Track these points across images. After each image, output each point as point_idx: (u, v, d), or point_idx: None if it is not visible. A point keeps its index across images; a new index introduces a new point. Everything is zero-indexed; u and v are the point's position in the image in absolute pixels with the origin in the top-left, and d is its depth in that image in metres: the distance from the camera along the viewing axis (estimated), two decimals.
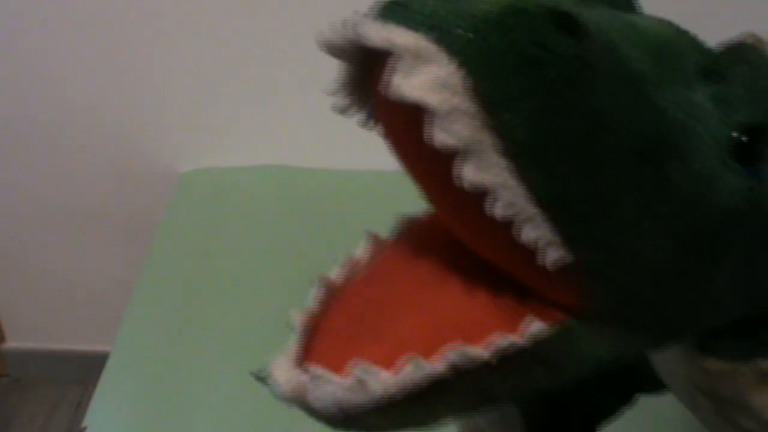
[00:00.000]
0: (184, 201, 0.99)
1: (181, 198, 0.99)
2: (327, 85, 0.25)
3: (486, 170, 0.19)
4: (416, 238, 0.25)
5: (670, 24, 0.25)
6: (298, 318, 0.23)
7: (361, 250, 0.25)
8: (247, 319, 0.79)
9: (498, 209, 0.19)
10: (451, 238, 0.23)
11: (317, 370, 0.21)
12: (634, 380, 0.35)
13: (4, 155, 1.04)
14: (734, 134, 0.22)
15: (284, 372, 0.22)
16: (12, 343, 1.33)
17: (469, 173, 0.19)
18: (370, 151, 1.02)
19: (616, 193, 0.20)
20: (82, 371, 1.28)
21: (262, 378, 0.24)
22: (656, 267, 0.22)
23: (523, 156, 0.19)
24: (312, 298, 0.24)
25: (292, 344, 0.23)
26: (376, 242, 0.25)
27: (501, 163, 0.19)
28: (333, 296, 0.24)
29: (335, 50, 0.24)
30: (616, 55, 0.20)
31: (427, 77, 0.19)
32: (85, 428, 0.68)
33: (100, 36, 0.93)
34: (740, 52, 0.23)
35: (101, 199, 1.09)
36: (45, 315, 1.26)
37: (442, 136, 0.19)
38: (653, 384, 0.31)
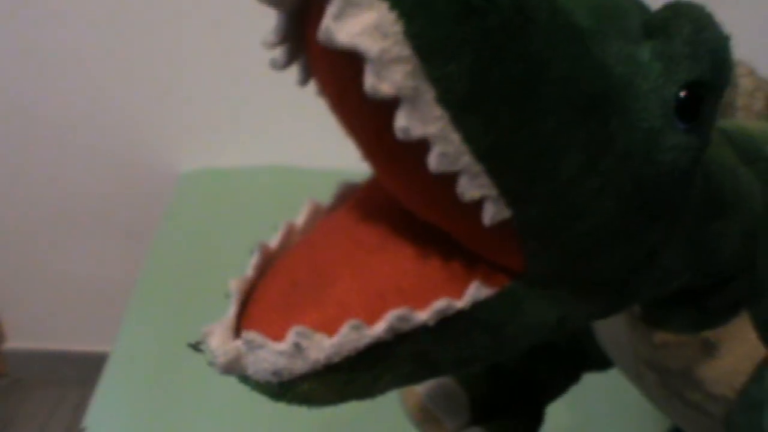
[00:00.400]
0: (184, 201, 0.99)
1: (181, 198, 0.99)
2: (265, 38, 0.23)
3: (423, 120, 0.18)
4: (358, 204, 0.24)
5: None
6: (234, 285, 0.23)
7: (300, 217, 0.25)
8: None
9: (435, 162, 0.19)
10: (394, 204, 0.22)
11: (251, 335, 0.20)
12: (580, 357, 0.35)
13: (3, 155, 1.04)
14: (678, 92, 0.22)
15: (219, 339, 0.21)
16: (12, 343, 1.33)
17: (406, 123, 0.18)
18: None
19: (558, 147, 0.20)
20: (82, 371, 1.28)
21: (198, 348, 0.23)
22: (599, 227, 0.21)
23: (461, 106, 0.18)
24: (249, 265, 0.23)
25: (229, 312, 0.22)
26: (316, 209, 0.25)
27: (439, 114, 0.18)
28: (271, 263, 0.24)
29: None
30: (557, 8, 0.20)
31: (362, 22, 0.17)
32: (84, 428, 0.68)
33: (100, 36, 0.93)
34: (682, 8, 0.23)
35: (101, 199, 1.09)
36: (45, 315, 1.26)
37: (377, 84, 0.18)
38: (599, 361, 0.32)
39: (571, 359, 0.36)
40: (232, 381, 0.79)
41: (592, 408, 0.72)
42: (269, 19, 0.86)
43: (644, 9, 0.24)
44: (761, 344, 0.24)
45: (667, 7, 0.23)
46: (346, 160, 0.64)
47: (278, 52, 0.22)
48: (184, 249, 0.90)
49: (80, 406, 1.31)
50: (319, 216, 0.25)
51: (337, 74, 0.20)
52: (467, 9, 0.18)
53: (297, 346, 0.19)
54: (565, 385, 0.37)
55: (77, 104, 0.99)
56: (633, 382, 0.28)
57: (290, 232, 0.24)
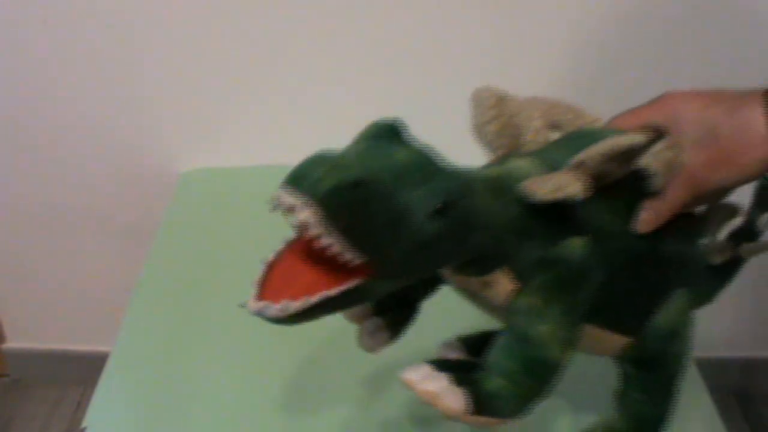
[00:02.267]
0: (184, 201, 0.99)
1: (181, 198, 0.99)
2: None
3: (325, 235, 0.38)
4: (304, 246, 0.41)
5: (418, 152, 0.43)
6: (262, 267, 0.42)
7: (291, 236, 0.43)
8: (246, 318, 0.79)
9: (325, 243, 0.38)
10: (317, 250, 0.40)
11: (264, 303, 0.40)
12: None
13: (3, 155, 1.04)
14: (435, 204, 0.41)
15: (251, 303, 0.41)
16: (12, 343, 1.33)
17: (320, 240, 0.38)
18: None
19: (388, 236, 0.40)
20: (82, 371, 1.28)
21: (244, 306, 0.41)
22: (415, 260, 0.42)
23: (345, 231, 0.38)
24: (269, 257, 0.42)
25: (256, 287, 0.42)
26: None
27: (335, 233, 0.38)
28: (278, 258, 0.42)
29: (281, 208, 0.39)
30: (379, 184, 0.39)
31: (303, 213, 0.37)
32: (85, 428, 0.68)
33: (100, 37, 0.93)
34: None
35: (101, 199, 1.09)
36: (45, 315, 1.26)
37: (309, 227, 0.38)
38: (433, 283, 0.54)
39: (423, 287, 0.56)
40: (232, 381, 0.79)
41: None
42: (269, 20, 0.86)
43: (429, 167, 0.42)
44: (511, 282, 0.47)
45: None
46: None
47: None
48: (184, 249, 0.90)
49: (80, 406, 1.32)
50: (292, 244, 0.43)
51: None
52: (341, 202, 0.37)
53: (284, 307, 0.40)
54: (432, 289, 0.55)
55: (77, 105, 0.99)
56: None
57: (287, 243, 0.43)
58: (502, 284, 0.47)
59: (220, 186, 1.00)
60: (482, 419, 0.44)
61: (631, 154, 0.46)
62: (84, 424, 0.68)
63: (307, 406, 0.70)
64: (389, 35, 0.93)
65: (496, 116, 0.51)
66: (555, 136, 0.54)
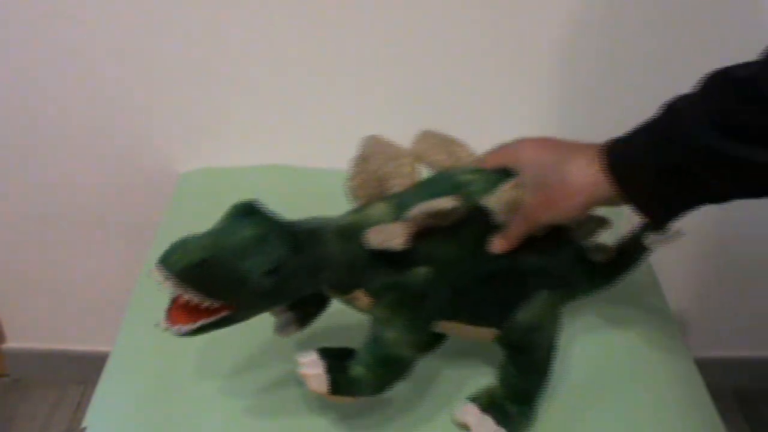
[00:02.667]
0: (184, 201, 0.99)
1: (181, 198, 0.99)
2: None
3: (186, 294, 0.52)
4: None
5: (263, 226, 0.56)
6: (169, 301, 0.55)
7: None
8: None
9: (188, 298, 0.53)
10: None
11: (167, 325, 0.55)
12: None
13: (3, 155, 1.04)
14: (268, 267, 0.54)
15: (162, 324, 0.54)
16: (12, 343, 1.33)
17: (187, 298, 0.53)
18: None
19: (233, 291, 0.54)
20: (82, 371, 1.28)
21: (157, 326, 0.55)
22: (260, 300, 0.56)
23: (199, 291, 0.53)
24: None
25: (165, 315, 0.55)
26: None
27: (192, 292, 0.52)
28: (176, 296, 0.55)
29: (155, 280, 0.52)
30: (221, 258, 0.53)
31: (167, 284, 0.52)
32: (85, 428, 0.68)
33: (100, 37, 0.93)
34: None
35: (101, 199, 1.09)
36: (45, 315, 1.26)
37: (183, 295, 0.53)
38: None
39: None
40: (231, 381, 0.80)
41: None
42: (269, 20, 0.85)
43: (270, 242, 0.55)
44: (368, 298, 0.60)
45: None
46: (345, 161, 0.64)
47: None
48: None
49: (80, 406, 1.32)
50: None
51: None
52: (194, 276, 0.52)
53: (178, 329, 0.54)
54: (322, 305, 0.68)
55: (77, 105, 0.99)
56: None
57: None
58: (362, 300, 0.61)
59: (220, 186, 1.00)
60: (340, 398, 0.60)
61: (445, 213, 0.57)
62: (84, 424, 0.68)
63: (307, 404, 0.70)
64: (389, 35, 0.93)
65: (357, 173, 0.63)
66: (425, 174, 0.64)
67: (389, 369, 0.62)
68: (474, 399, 0.68)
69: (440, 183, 0.62)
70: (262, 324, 0.64)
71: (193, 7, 0.91)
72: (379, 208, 0.61)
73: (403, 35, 0.93)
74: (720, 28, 0.92)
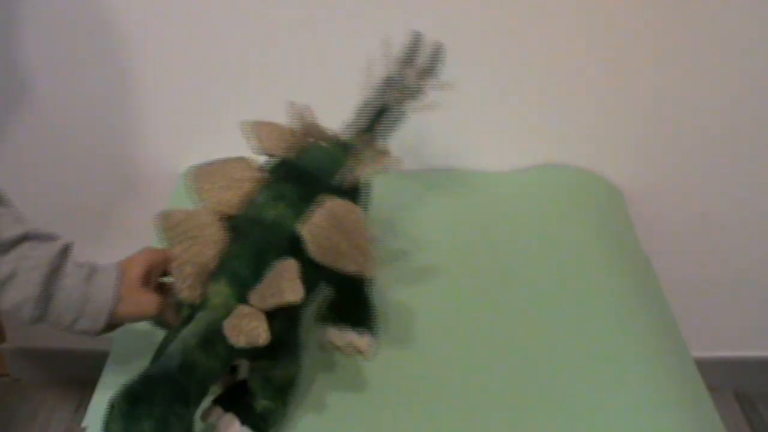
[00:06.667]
0: (184, 201, 0.99)
1: (181, 198, 0.99)
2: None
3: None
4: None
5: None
6: None
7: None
8: None
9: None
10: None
11: None
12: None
13: (3, 155, 1.04)
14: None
15: None
16: (12, 343, 1.33)
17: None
18: None
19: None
20: (82, 371, 1.28)
21: None
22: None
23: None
24: None
25: None
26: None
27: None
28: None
29: None
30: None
31: None
32: (85, 428, 0.68)
33: (100, 36, 0.93)
34: None
35: (101, 199, 1.09)
36: None
37: None
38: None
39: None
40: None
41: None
42: (269, 20, 0.85)
43: None
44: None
45: None
46: None
47: None
48: None
49: (80, 406, 1.32)
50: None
51: None
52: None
53: None
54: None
55: (77, 105, 0.99)
56: None
57: None
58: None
59: None
60: None
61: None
62: (84, 424, 0.68)
63: (307, 404, 0.70)
64: (389, 34, 0.93)
65: (177, 255, 0.63)
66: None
67: (289, 390, 0.66)
68: (218, 401, 0.67)
69: (256, 233, 0.64)
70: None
71: (194, 6, 0.91)
72: (221, 293, 0.61)
73: (403, 36, 0.93)
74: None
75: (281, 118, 1.00)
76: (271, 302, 0.59)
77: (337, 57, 0.94)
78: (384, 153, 0.76)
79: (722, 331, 1.28)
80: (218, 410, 0.64)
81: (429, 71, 0.78)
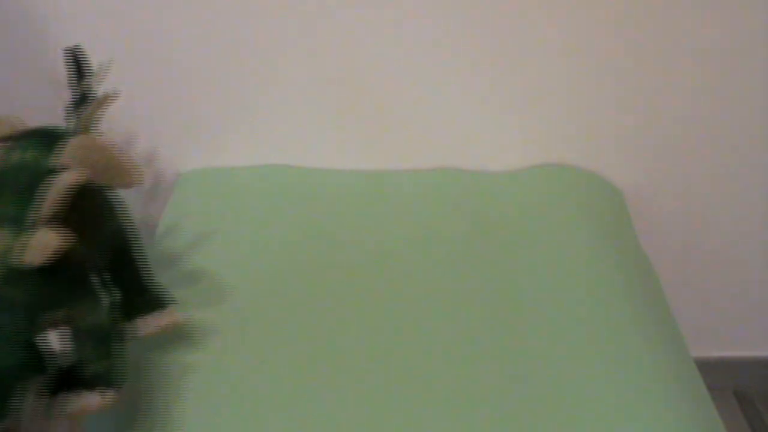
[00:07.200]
0: (184, 201, 0.99)
1: (181, 198, 0.99)
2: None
3: None
4: None
5: None
6: None
7: None
8: (246, 317, 0.79)
9: None
10: None
11: None
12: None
13: None
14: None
15: None
16: None
17: None
18: (370, 152, 1.02)
19: None
20: None
21: None
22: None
23: None
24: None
25: None
26: None
27: None
28: None
29: None
30: None
31: None
32: (85, 428, 0.68)
33: (100, 35, 0.93)
34: None
35: None
36: None
37: None
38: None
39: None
40: (230, 379, 0.79)
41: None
42: (269, 20, 0.85)
43: None
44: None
45: None
46: (345, 160, 0.65)
47: None
48: (184, 249, 0.90)
49: None
50: None
51: None
52: None
53: None
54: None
55: None
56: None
57: None
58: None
59: (219, 186, 1.00)
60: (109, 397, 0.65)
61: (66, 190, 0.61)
62: (84, 424, 0.68)
63: (308, 404, 0.71)
64: (388, 34, 0.93)
65: None
66: None
67: (110, 343, 0.67)
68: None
69: (9, 176, 0.63)
70: (262, 321, 0.64)
71: (193, 8, 0.91)
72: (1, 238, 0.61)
73: (403, 35, 0.93)
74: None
75: (281, 117, 1.00)
76: (49, 206, 0.60)
77: (337, 57, 0.94)
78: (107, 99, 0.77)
79: (722, 331, 1.28)
80: (53, 399, 0.65)
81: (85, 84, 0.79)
